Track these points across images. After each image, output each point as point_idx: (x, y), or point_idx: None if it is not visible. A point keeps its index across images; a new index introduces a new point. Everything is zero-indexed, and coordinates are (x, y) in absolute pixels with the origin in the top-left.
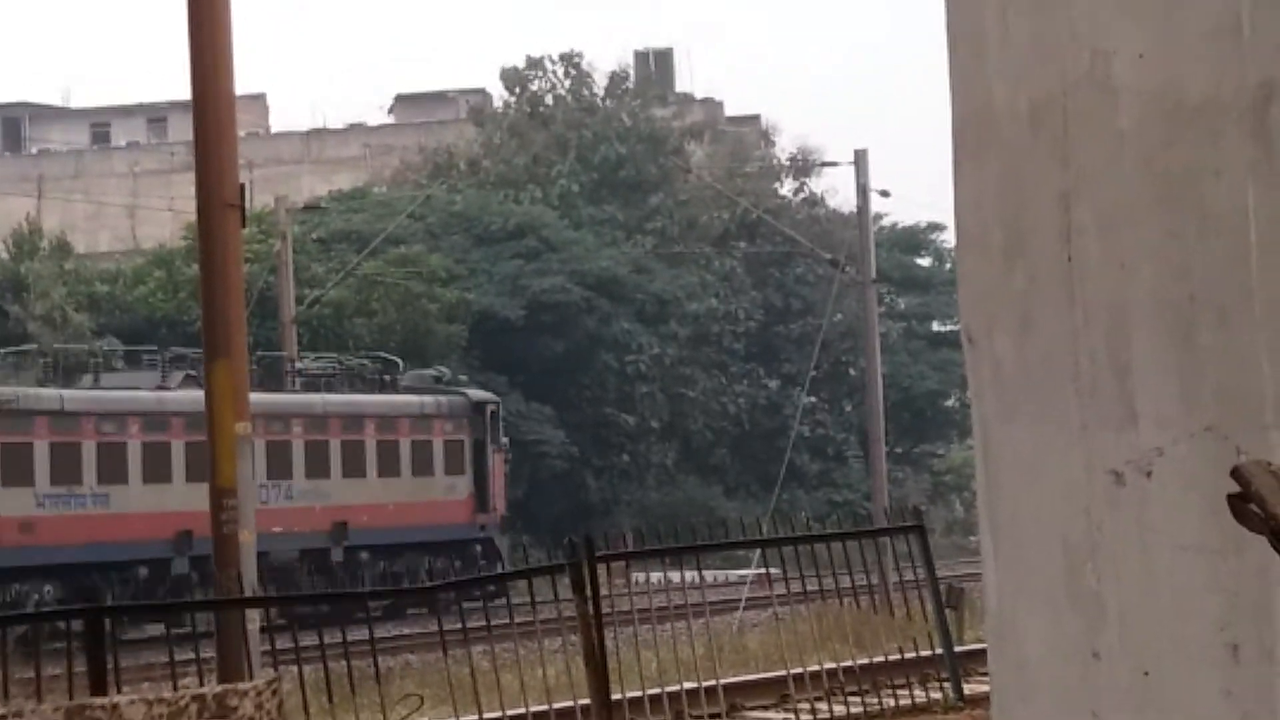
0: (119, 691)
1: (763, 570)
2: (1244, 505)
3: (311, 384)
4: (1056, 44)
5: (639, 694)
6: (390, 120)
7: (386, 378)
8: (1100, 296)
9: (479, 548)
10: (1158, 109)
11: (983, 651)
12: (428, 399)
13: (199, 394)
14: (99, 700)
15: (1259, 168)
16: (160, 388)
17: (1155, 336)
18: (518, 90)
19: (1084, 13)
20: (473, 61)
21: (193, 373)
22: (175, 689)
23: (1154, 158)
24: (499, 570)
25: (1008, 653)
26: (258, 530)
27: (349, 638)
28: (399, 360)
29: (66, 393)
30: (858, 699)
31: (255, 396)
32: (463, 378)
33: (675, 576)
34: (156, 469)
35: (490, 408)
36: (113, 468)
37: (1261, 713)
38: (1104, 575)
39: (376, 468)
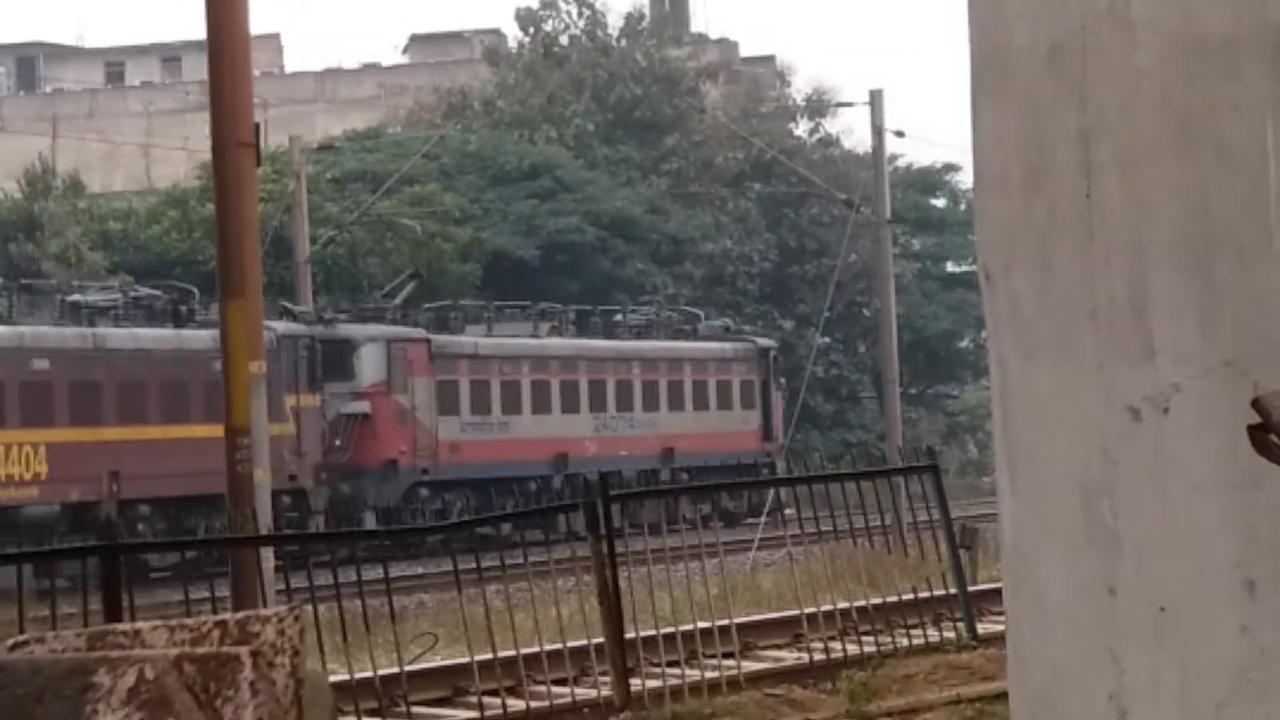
0: None
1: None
2: (1265, 436)
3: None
4: None
5: (653, 633)
6: (405, 60)
7: (688, 327)
8: (1119, 234)
9: (765, 470)
10: (1177, 46)
11: (996, 591)
12: (726, 345)
13: (567, 341)
14: (121, 626)
15: (1278, 103)
16: (533, 336)
17: (1174, 273)
18: (532, 30)
19: None
20: (487, 1)
21: (556, 324)
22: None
23: (1173, 95)
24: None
25: (1023, 590)
26: (604, 454)
27: (364, 577)
28: (699, 312)
29: (481, 340)
30: (871, 639)
31: (599, 343)
32: (746, 327)
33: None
34: (540, 403)
35: (772, 353)
36: (510, 401)
37: (1278, 648)
38: (1121, 512)
39: (692, 403)
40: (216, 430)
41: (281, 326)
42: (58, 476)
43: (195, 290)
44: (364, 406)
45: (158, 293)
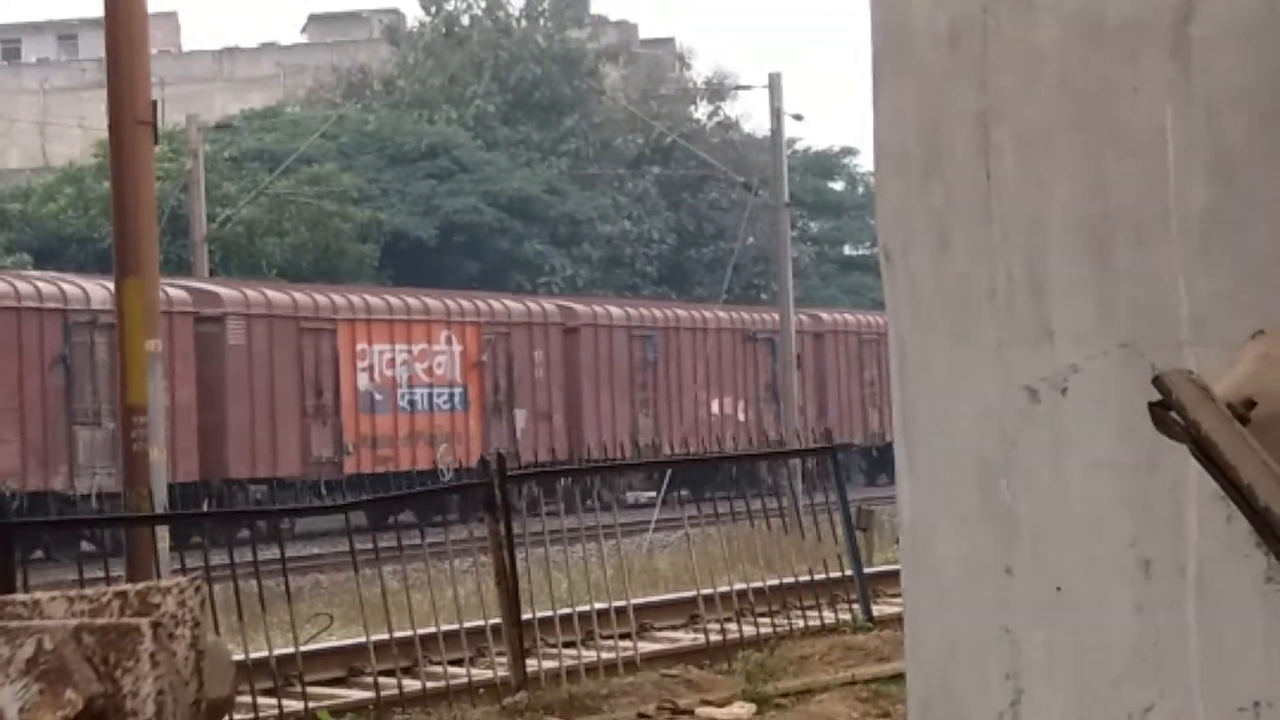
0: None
1: (674, 492)
2: (1164, 413)
3: None
4: None
5: (549, 614)
6: (304, 39)
7: None
8: (1018, 215)
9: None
10: (1077, 28)
11: (892, 573)
12: None
13: None
14: (20, 597)
15: (1177, 87)
16: None
17: (1072, 254)
18: (434, 10)
19: None
20: None
21: None
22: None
23: (1072, 77)
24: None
25: (921, 569)
26: None
27: (260, 556)
28: None
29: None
30: (768, 620)
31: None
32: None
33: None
34: None
35: None
36: None
37: (1172, 627)
38: (1018, 491)
39: None
40: None
41: None
42: None
43: None
44: None
45: None
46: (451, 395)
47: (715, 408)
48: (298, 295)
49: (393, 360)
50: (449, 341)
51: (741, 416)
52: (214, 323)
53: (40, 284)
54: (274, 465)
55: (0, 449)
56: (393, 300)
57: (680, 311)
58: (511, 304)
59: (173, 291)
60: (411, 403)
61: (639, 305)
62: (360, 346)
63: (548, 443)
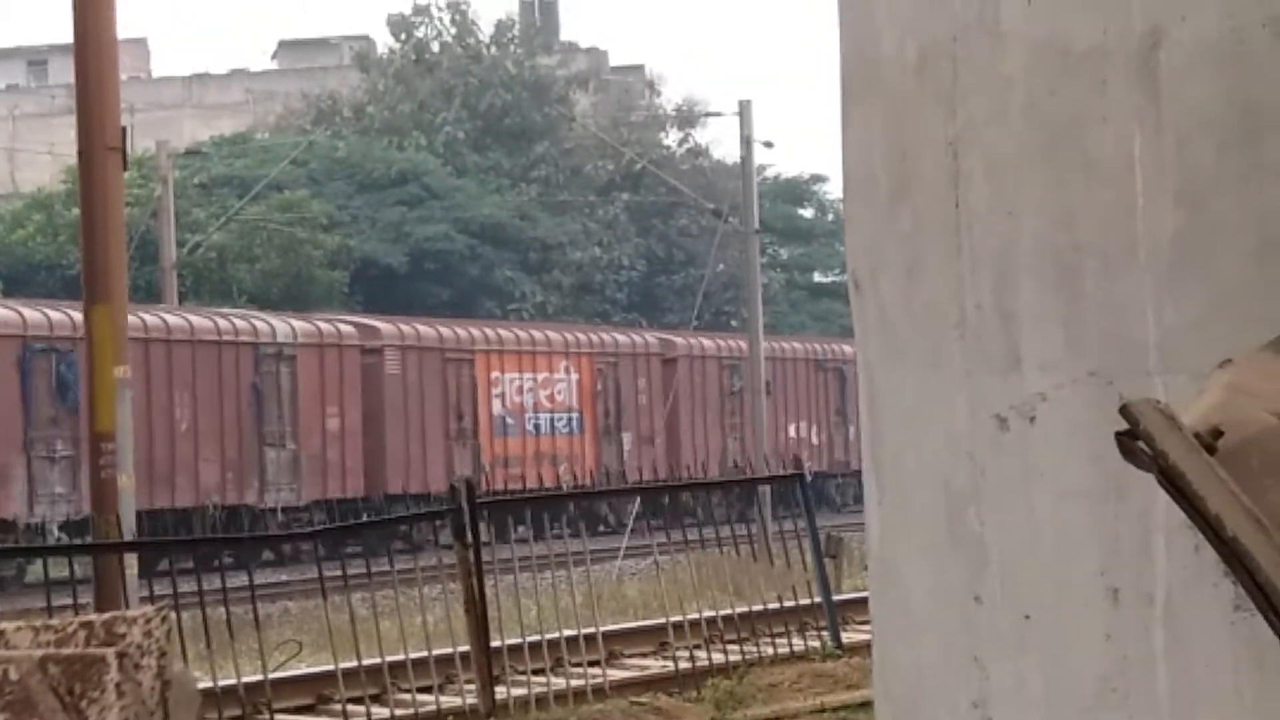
0: None
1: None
2: (1132, 443)
3: None
4: None
5: (519, 641)
6: (274, 66)
7: None
8: (986, 243)
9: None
10: (1045, 56)
11: (861, 600)
12: None
13: None
14: None
15: (1145, 115)
16: None
17: (1040, 283)
18: (403, 37)
19: None
20: (357, 8)
21: None
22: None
23: (1041, 105)
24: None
25: (890, 597)
26: None
27: (228, 584)
28: None
29: None
30: (737, 647)
31: None
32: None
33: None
34: None
35: None
36: None
37: (1140, 655)
38: (986, 520)
39: None
40: None
41: None
42: None
43: None
44: None
45: None
46: (570, 420)
47: (792, 431)
48: (442, 329)
49: (521, 388)
50: (567, 371)
51: (815, 439)
52: (375, 354)
53: (235, 320)
54: (425, 483)
55: (205, 467)
56: (520, 333)
57: (763, 343)
58: (619, 336)
59: (343, 327)
60: (537, 426)
61: (728, 338)
62: (494, 375)
63: (650, 463)
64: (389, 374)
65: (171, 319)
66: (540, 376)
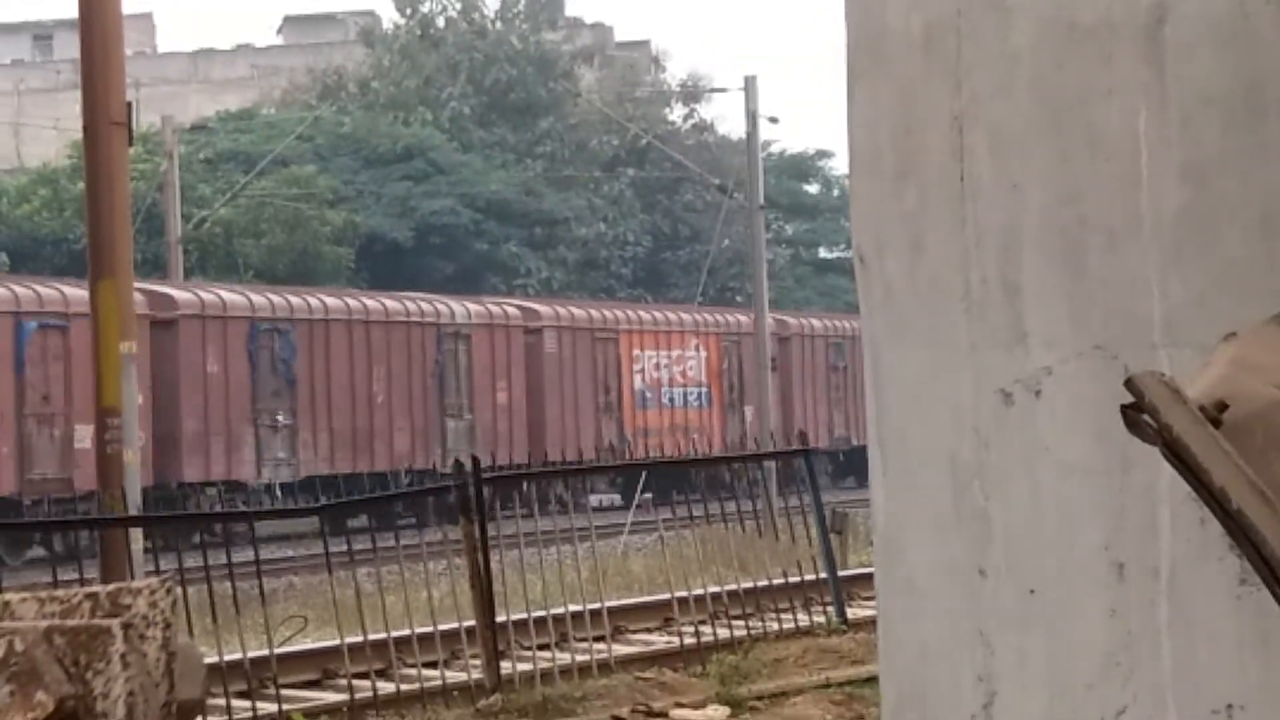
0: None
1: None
2: (1137, 416)
3: None
4: None
5: (524, 616)
6: (279, 41)
7: None
8: (992, 218)
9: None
10: (1051, 30)
11: (866, 576)
12: None
13: None
14: None
15: (1150, 90)
16: None
17: (1045, 258)
18: (409, 12)
19: None
20: None
21: None
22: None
23: (1046, 80)
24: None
25: (894, 572)
26: None
27: (234, 559)
28: None
29: None
30: (741, 623)
31: None
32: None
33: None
34: None
35: None
36: None
37: (1145, 630)
38: (991, 494)
39: None
40: None
41: None
42: None
43: None
44: None
45: None
46: (700, 394)
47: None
48: (591, 311)
49: (657, 364)
50: (697, 349)
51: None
52: (536, 334)
53: (421, 304)
54: (579, 452)
55: (398, 435)
56: (656, 315)
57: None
58: (742, 318)
59: (509, 309)
60: (671, 400)
61: (833, 318)
62: (635, 353)
63: (768, 435)
64: (548, 352)
65: (370, 303)
66: (674, 354)
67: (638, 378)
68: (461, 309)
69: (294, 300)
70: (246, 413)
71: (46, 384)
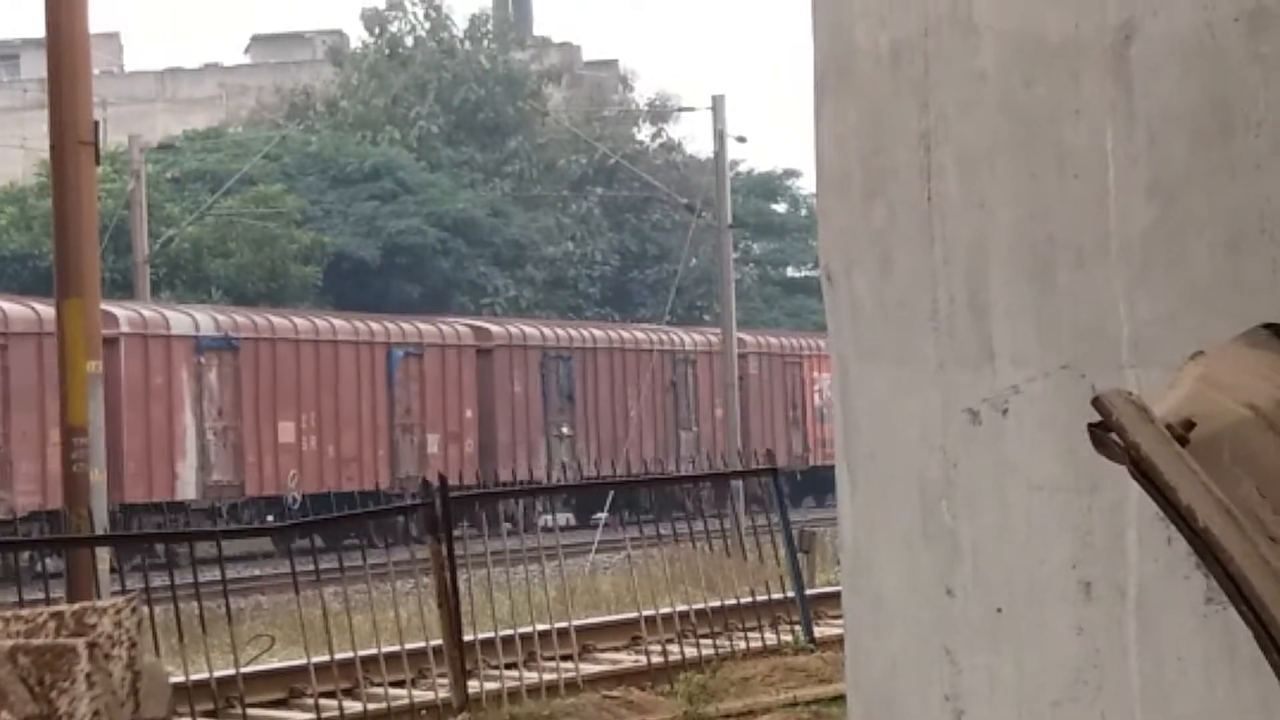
0: None
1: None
2: (1105, 435)
3: None
4: None
5: (491, 635)
6: (246, 60)
7: None
8: (959, 236)
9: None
10: (1018, 49)
11: (834, 595)
12: None
13: None
14: None
15: (1118, 108)
16: None
17: (1013, 276)
18: (377, 31)
19: None
20: (331, 2)
21: None
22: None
23: (1014, 98)
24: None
25: (862, 590)
26: None
27: (200, 578)
28: None
29: None
30: (709, 641)
31: None
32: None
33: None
34: None
35: None
36: None
37: (1112, 649)
38: (959, 513)
39: None
40: None
41: None
42: None
43: None
44: None
45: None
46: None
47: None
48: (784, 339)
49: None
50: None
51: None
52: (743, 360)
53: (659, 334)
54: (773, 459)
55: (645, 444)
56: (824, 342)
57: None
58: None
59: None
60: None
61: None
62: (815, 375)
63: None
64: (751, 374)
65: (614, 333)
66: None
67: (817, 396)
68: (688, 338)
69: (571, 332)
70: (540, 425)
71: None
